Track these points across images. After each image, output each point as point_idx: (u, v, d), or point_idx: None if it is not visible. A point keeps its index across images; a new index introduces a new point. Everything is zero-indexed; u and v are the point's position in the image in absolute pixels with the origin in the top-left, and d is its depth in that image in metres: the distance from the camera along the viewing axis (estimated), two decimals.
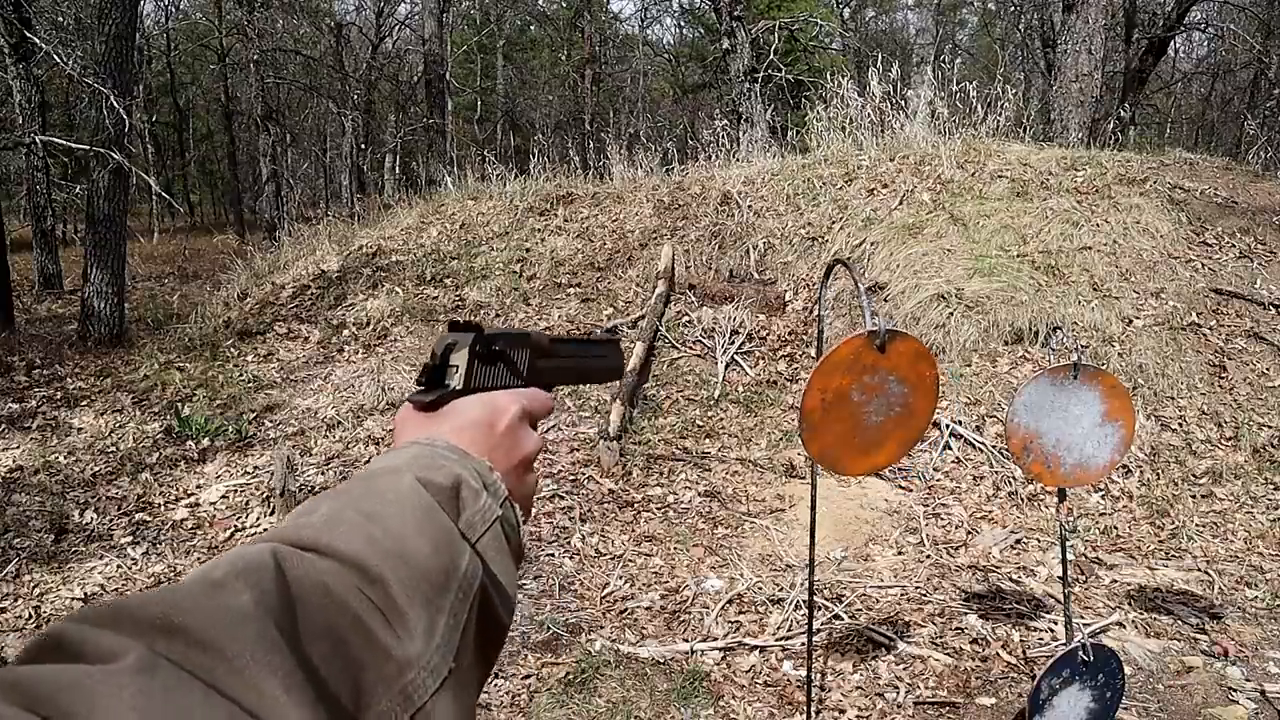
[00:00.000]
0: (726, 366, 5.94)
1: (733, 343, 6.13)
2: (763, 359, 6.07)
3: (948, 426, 5.02)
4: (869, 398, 2.18)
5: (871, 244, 6.46)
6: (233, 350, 6.84)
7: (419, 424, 0.65)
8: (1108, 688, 2.41)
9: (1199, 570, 3.93)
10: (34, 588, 3.80)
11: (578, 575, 3.92)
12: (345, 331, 6.91)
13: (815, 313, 6.25)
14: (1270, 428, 4.78)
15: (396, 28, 24.34)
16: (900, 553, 4.15)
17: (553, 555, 4.07)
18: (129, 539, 4.28)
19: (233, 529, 4.37)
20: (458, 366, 0.67)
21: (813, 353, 6.01)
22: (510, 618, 0.60)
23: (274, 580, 0.45)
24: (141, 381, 6.35)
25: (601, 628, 3.50)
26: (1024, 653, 3.32)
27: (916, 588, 3.79)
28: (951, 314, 5.63)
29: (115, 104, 6.97)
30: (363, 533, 0.52)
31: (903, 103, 8.03)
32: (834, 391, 2.16)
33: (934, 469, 4.85)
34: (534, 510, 4.44)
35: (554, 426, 5.37)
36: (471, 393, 0.66)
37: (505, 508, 0.62)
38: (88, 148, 7.45)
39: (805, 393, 2.16)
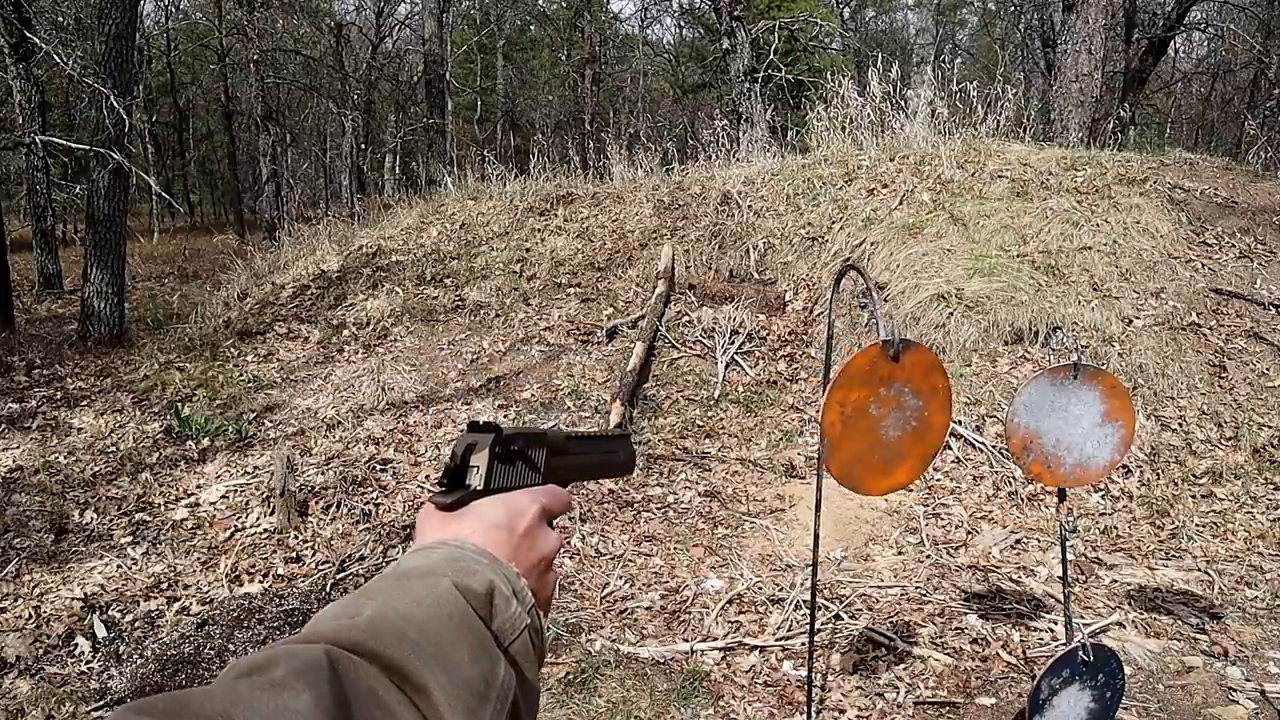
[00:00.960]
0: (726, 366, 5.94)
1: (733, 343, 6.13)
2: (763, 359, 6.07)
3: (948, 426, 5.02)
4: (886, 411, 2.16)
5: (871, 244, 6.46)
6: (233, 350, 6.85)
7: (440, 523, 0.67)
8: (1108, 688, 2.41)
9: (1199, 570, 3.93)
10: (34, 588, 3.79)
11: (578, 575, 3.92)
12: (345, 331, 6.91)
13: (815, 313, 6.25)
14: (1270, 428, 4.78)
15: (396, 28, 24.34)
16: (900, 553, 4.14)
17: None
18: (129, 539, 4.28)
19: (233, 529, 4.37)
20: (478, 467, 0.68)
21: (813, 353, 6.01)
22: None
23: (329, 683, 0.46)
24: (141, 381, 6.35)
25: (601, 628, 3.50)
26: (1024, 653, 3.32)
27: (916, 588, 3.79)
28: (951, 314, 5.63)
29: (115, 104, 6.97)
30: (405, 638, 0.53)
31: (903, 103, 8.03)
32: (853, 405, 2.13)
33: (934, 469, 4.85)
34: None
35: (553, 427, 5.36)
36: (492, 493, 0.68)
37: (532, 615, 0.63)
38: (88, 148, 7.45)
39: (825, 408, 2.12)
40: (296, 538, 4.27)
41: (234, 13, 18.84)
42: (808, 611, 2.85)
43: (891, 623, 3.50)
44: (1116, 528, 4.32)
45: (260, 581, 3.92)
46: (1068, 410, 2.35)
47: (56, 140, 9.91)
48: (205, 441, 5.30)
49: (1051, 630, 3.44)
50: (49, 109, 17.66)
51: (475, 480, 0.68)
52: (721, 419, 5.49)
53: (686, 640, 3.41)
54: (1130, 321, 5.41)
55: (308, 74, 20.28)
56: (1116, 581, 3.84)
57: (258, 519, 4.43)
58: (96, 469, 5.03)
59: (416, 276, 7.47)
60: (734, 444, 5.25)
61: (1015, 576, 3.89)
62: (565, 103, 26.21)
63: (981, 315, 5.56)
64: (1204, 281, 5.68)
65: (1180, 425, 4.89)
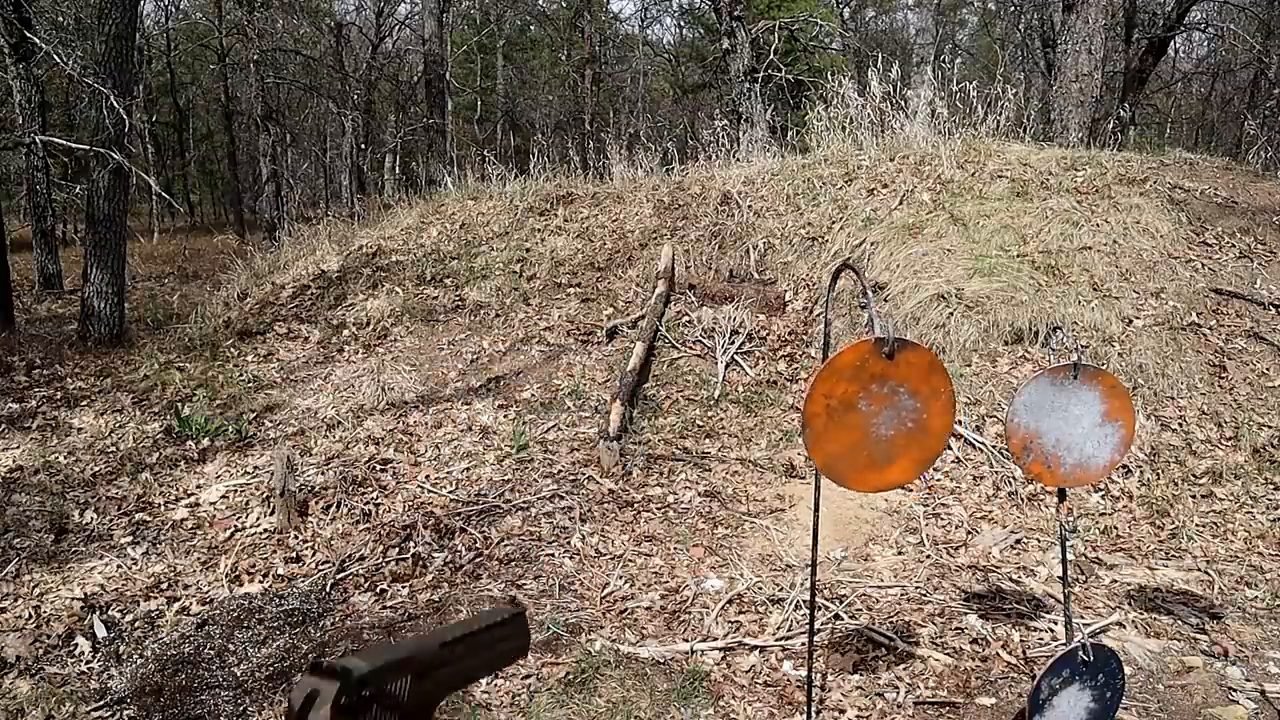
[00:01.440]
0: (726, 366, 5.94)
1: (733, 343, 6.13)
2: (763, 359, 6.07)
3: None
4: (877, 409, 2.14)
5: (871, 244, 6.46)
6: (233, 350, 6.85)
7: None
8: (1108, 688, 2.41)
9: (1199, 570, 3.93)
10: (34, 588, 3.80)
11: (578, 575, 3.92)
12: (345, 331, 6.91)
13: (815, 313, 6.25)
14: (1270, 428, 4.78)
15: (396, 28, 24.34)
16: (900, 553, 4.14)
17: (553, 555, 4.07)
18: (129, 539, 4.28)
19: (233, 529, 4.37)
20: None
21: (813, 353, 6.01)
22: None
23: None
24: (141, 381, 6.35)
25: (601, 628, 3.50)
26: (1024, 653, 3.32)
27: (916, 588, 3.79)
28: (951, 314, 5.63)
29: (115, 104, 6.97)
30: None
31: (903, 103, 8.02)
32: (839, 399, 2.12)
33: (934, 469, 4.85)
34: (534, 511, 4.45)
35: (554, 426, 5.37)
36: None
37: None
38: (88, 148, 7.45)
39: (808, 398, 2.12)
40: (296, 538, 4.27)
41: (234, 13, 18.84)
42: (808, 611, 2.85)
43: (891, 623, 3.50)
44: (1116, 528, 4.32)
45: (260, 581, 3.92)
46: (1068, 410, 2.35)
47: (56, 140, 9.92)
48: (205, 441, 5.30)
49: (1051, 630, 3.44)
50: (49, 109, 17.66)
51: None
52: (721, 419, 5.49)
53: (686, 640, 3.41)
54: (1130, 321, 5.41)
55: (308, 74, 20.29)
56: (1116, 581, 3.84)
57: (258, 519, 4.43)
58: (96, 469, 5.03)
59: (416, 276, 7.47)
60: (734, 444, 5.25)
61: (1015, 576, 3.89)
62: (565, 103, 26.21)
63: (981, 315, 5.56)
64: (1204, 281, 5.68)
65: (1180, 425, 4.89)
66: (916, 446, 2.20)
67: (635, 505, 4.56)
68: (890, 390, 2.14)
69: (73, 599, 3.71)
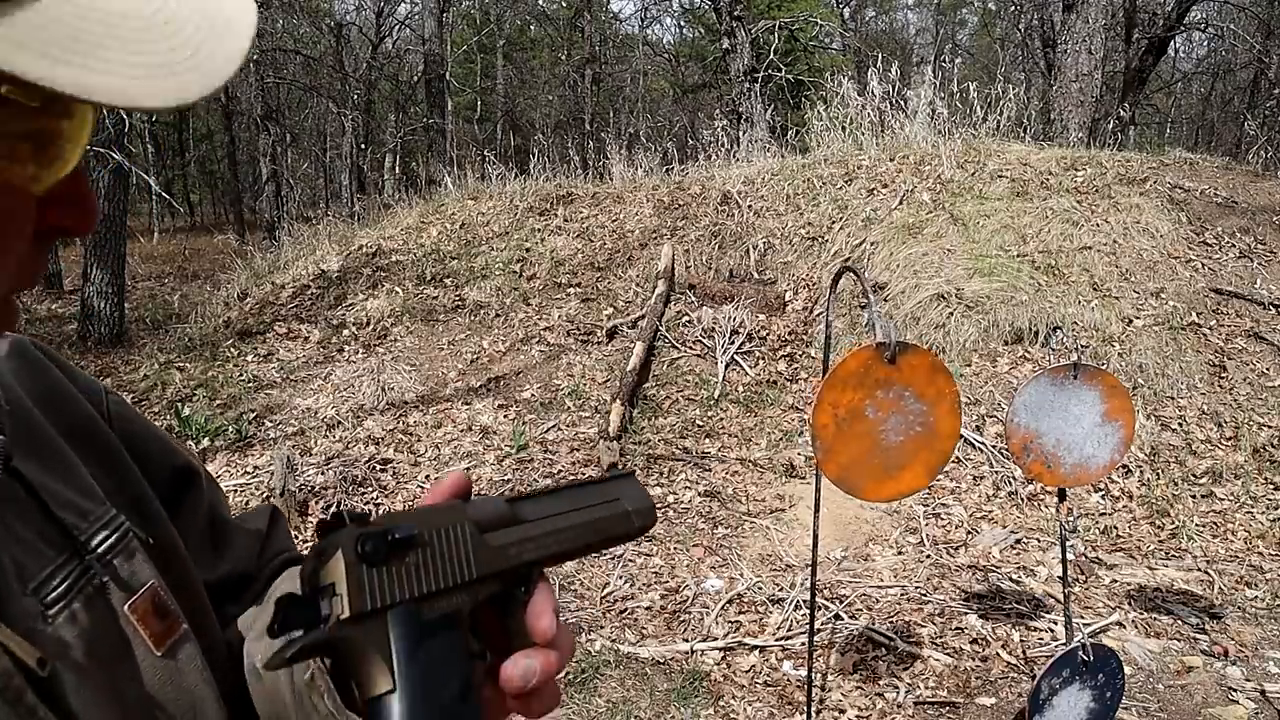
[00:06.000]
0: (726, 366, 5.94)
1: (733, 343, 6.13)
2: (763, 359, 6.07)
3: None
4: (885, 415, 2.12)
5: (871, 244, 6.46)
6: (233, 350, 6.84)
7: None
8: (1108, 688, 2.41)
9: (1199, 570, 3.93)
10: None
11: (578, 575, 3.92)
12: (345, 331, 6.91)
13: (816, 313, 6.25)
14: (1270, 428, 4.78)
15: (396, 28, 24.32)
16: (900, 553, 4.15)
17: None
18: None
19: None
20: (333, 585, 0.42)
21: (813, 353, 6.01)
22: None
23: None
24: (141, 381, 6.35)
25: (601, 628, 3.50)
26: (1024, 653, 3.32)
27: (916, 588, 3.79)
28: (951, 314, 5.63)
29: None
30: None
31: (903, 103, 8.03)
32: (846, 407, 2.10)
33: None
34: None
35: (554, 426, 5.37)
36: (370, 617, 0.42)
37: None
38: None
39: (815, 409, 2.10)
40: (296, 538, 4.27)
41: None
42: (808, 611, 2.85)
43: (891, 623, 3.50)
44: (1116, 528, 4.32)
45: None
46: (1068, 410, 2.35)
47: None
48: (205, 441, 5.30)
49: (1051, 630, 3.44)
50: None
51: (338, 607, 0.42)
52: (721, 419, 5.49)
53: (686, 640, 3.41)
54: (1130, 321, 5.41)
55: (308, 74, 20.26)
56: (1116, 581, 3.84)
57: None
58: None
59: (416, 276, 7.47)
60: (734, 444, 5.25)
61: (1015, 576, 3.89)
62: (565, 103, 26.19)
63: (981, 315, 5.56)
64: (1204, 281, 5.68)
65: (1180, 425, 4.89)
66: (926, 450, 2.18)
67: None
68: (896, 395, 2.13)
69: None
